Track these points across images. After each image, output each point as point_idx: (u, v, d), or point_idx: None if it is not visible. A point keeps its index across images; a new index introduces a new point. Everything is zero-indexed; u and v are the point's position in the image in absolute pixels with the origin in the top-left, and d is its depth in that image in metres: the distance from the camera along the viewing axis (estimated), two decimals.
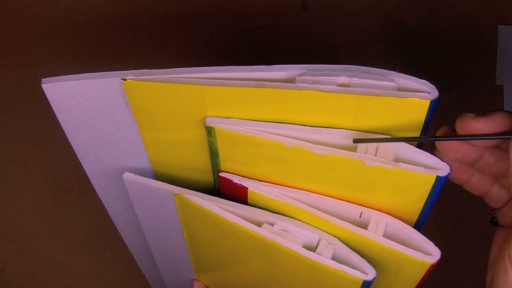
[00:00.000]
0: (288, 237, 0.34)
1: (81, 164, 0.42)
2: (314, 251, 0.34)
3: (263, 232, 0.35)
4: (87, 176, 0.43)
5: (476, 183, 0.33)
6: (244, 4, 0.81)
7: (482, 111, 0.29)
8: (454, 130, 0.31)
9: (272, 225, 0.35)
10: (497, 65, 0.78)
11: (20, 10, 0.83)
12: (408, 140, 0.32)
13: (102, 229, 0.75)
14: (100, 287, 0.75)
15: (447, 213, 0.70)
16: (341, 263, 0.33)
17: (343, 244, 0.34)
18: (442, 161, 0.32)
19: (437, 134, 0.32)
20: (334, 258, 0.33)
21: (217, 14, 0.82)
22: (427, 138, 0.32)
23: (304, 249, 0.34)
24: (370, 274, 0.32)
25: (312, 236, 0.35)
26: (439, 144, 0.31)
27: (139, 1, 0.83)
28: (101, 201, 0.46)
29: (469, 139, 0.30)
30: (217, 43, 0.81)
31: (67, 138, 0.39)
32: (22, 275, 0.75)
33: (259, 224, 0.35)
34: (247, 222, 0.35)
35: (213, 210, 0.36)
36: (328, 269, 0.33)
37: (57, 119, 0.37)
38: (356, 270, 0.32)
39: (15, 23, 0.83)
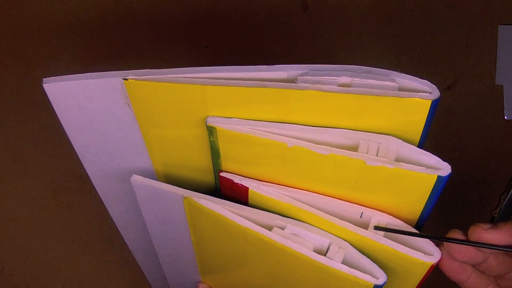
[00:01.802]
0: (299, 241, 0.34)
1: (81, 164, 0.41)
2: (325, 255, 0.33)
3: (274, 236, 0.34)
4: (87, 176, 0.43)
5: (473, 283, 0.35)
6: (244, 4, 0.81)
7: (495, 223, 0.31)
8: (462, 233, 0.32)
9: (283, 229, 0.35)
10: (497, 65, 0.78)
11: (20, 10, 0.83)
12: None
13: (102, 229, 0.75)
14: (100, 287, 0.75)
15: (446, 212, 0.70)
16: (351, 267, 0.33)
17: (354, 248, 0.34)
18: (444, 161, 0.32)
19: (447, 236, 0.33)
20: (344, 262, 0.33)
21: (217, 14, 0.82)
22: (443, 239, 0.33)
23: (315, 253, 0.33)
24: (380, 278, 0.32)
25: (322, 240, 0.34)
26: (448, 245, 0.33)
27: (139, 1, 0.83)
28: (101, 201, 0.45)
29: (480, 246, 0.31)
30: (217, 43, 0.81)
31: (68, 138, 0.39)
32: (21, 275, 0.75)
33: (269, 228, 0.35)
34: (258, 226, 0.35)
35: (223, 214, 0.36)
36: (338, 273, 0.33)
37: (58, 119, 0.37)
38: (367, 275, 0.32)
39: (14, 22, 0.83)
